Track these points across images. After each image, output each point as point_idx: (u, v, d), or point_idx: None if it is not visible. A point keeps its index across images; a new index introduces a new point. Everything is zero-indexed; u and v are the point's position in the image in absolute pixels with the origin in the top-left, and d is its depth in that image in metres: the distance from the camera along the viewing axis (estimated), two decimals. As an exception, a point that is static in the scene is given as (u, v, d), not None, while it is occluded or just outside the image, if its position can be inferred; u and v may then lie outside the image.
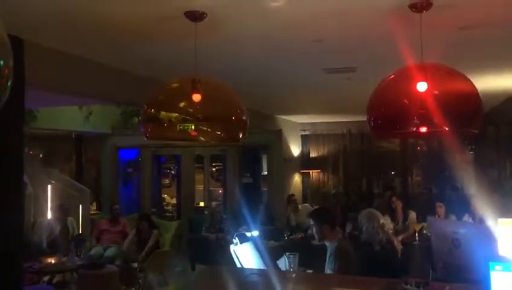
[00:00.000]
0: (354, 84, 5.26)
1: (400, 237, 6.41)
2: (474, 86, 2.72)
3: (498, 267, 2.33)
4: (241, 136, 3.01)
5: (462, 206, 6.52)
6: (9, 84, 1.35)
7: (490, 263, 2.33)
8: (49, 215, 7.27)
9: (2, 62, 1.32)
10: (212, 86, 2.97)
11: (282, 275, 3.15)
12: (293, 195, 8.97)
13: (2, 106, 1.41)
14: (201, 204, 10.73)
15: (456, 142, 7.37)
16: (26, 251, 5.82)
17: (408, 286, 2.79)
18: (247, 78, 5.05)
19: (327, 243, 3.65)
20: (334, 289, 2.63)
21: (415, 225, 6.29)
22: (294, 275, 3.06)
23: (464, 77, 2.75)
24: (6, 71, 1.33)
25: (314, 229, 3.75)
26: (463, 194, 7.82)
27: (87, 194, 8.28)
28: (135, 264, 2.33)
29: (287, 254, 3.14)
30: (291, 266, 3.09)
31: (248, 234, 5.13)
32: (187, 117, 2.87)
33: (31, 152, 10.57)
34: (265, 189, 10.42)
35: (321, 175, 10.86)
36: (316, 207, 8.24)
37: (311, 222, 3.77)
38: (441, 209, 6.54)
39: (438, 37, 3.08)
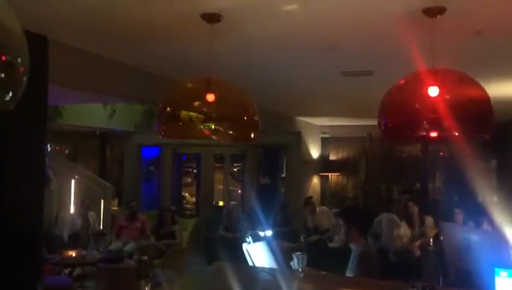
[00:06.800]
0: (372, 88, 5.24)
1: (418, 243, 6.38)
2: (485, 92, 2.72)
3: (503, 273, 2.33)
4: (253, 135, 3.07)
5: (481, 213, 6.43)
6: (24, 79, 1.43)
7: (495, 269, 2.34)
8: (72, 209, 7.47)
9: (19, 60, 1.40)
10: (225, 86, 3.05)
11: (291, 274, 3.20)
12: (310, 197, 8.98)
13: (19, 100, 1.48)
14: (221, 203, 10.84)
15: (478, 149, 7.27)
16: (48, 243, 6.04)
17: (414, 289, 2.80)
18: (264, 79, 5.11)
19: (352, 247, 3.64)
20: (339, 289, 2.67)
21: (431, 230, 6.24)
22: (302, 275, 3.11)
23: (475, 82, 2.74)
24: (21, 69, 1.41)
25: (342, 230, 3.75)
26: (484, 201, 7.70)
27: (109, 190, 8.46)
28: (145, 257, 2.42)
29: (296, 253, 3.19)
30: (299, 265, 3.13)
31: (261, 234, 5.20)
32: (201, 116, 2.95)
33: (57, 148, 10.88)
34: (284, 190, 10.46)
35: (340, 178, 10.83)
36: (347, 206, 8.20)
37: (340, 222, 3.78)
38: (459, 216, 6.46)
39: (452, 43, 3.08)
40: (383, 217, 6.62)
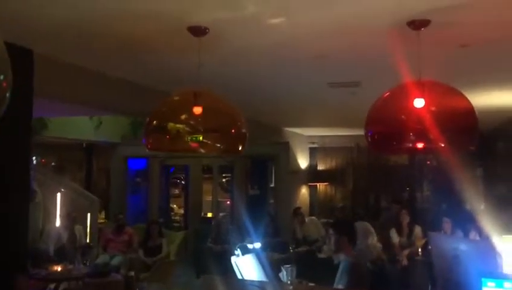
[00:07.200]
0: (360, 98, 5.28)
1: (406, 252, 6.39)
2: (470, 103, 2.75)
3: (491, 283, 2.34)
4: (240, 148, 3.06)
5: (469, 222, 6.48)
6: (7, 95, 1.41)
7: (482, 279, 2.34)
8: (58, 223, 7.36)
9: (1, 76, 1.38)
10: (213, 98, 3.04)
11: (281, 287, 3.18)
12: (299, 208, 8.96)
13: (3, 115, 1.45)
14: (209, 215, 10.77)
15: (465, 157, 7.37)
16: (34, 258, 5.93)
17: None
18: (252, 91, 5.12)
19: (341, 257, 3.56)
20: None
21: (419, 240, 6.26)
22: (291, 287, 3.09)
23: (461, 94, 2.78)
24: (4, 84, 1.39)
25: (332, 240, 3.68)
26: (471, 209, 7.76)
27: (96, 202, 8.36)
28: (132, 273, 2.38)
29: (285, 265, 3.17)
30: (289, 277, 3.12)
31: (250, 246, 5.17)
32: (188, 129, 2.94)
33: (42, 160, 10.76)
34: (273, 201, 10.44)
35: (329, 188, 10.85)
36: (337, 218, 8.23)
37: (330, 232, 3.72)
38: (447, 224, 6.48)
39: (437, 54, 3.12)
40: (358, 225, 6.62)
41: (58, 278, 5.90)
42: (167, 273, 6.71)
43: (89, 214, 7.87)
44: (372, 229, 4.90)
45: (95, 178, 10.91)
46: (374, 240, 5.26)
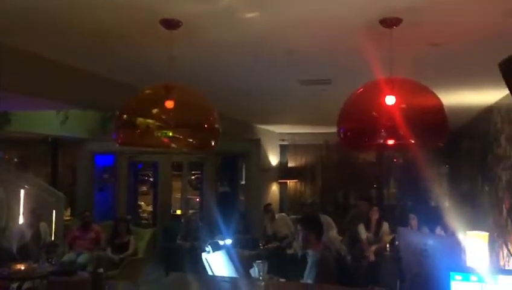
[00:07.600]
0: (330, 96, 5.32)
1: (373, 248, 6.52)
2: (440, 101, 2.80)
3: (458, 277, 2.40)
4: (213, 144, 3.03)
5: (434, 218, 6.66)
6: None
7: (450, 273, 2.40)
8: (21, 220, 7.14)
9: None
10: (186, 92, 2.99)
11: (252, 282, 3.18)
12: (269, 204, 9.00)
13: None
14: (178, 212, 10.69)
15: (431, 155, 7.55)
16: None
17: (372, 295, 2.84)
18: (224, 86, 5.09)
19: (310, 252, 3.58)
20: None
21: (387, 236, 6.38)
22: (263, 283, 3.09)
23: (431, 91, 2.83)
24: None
25: (300, 236, 3.68)
26: (436, 206, 7.97)
27: (61, 199, 8.16)
28: (101, 270, 2.33)
29: (257, 261, 3.17)
30: (260, 273, 3.12)
31: (221, 243, 5.15)
32: (158, 123, 2.88)
33: (6, 157, 10.40)
34: (243, 198, 10.44)
35: (298, 185, 10.93)
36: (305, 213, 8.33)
37: (298, 228, 3.72)
38: (413, 221, 6.65)
39: (408, 52, 3.16)
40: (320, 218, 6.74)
41: (21, 277, 5.71)
42: (136, 271, 6.62)
43: (54, 211, 7.66)
44: (333, 223, 5.03)
45: (61, 174, 10.63)
46: (334, 232, 5.36)
